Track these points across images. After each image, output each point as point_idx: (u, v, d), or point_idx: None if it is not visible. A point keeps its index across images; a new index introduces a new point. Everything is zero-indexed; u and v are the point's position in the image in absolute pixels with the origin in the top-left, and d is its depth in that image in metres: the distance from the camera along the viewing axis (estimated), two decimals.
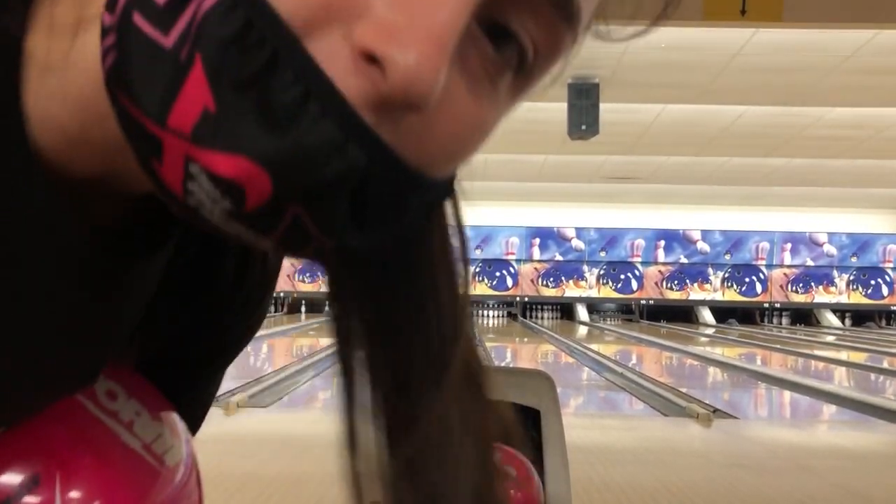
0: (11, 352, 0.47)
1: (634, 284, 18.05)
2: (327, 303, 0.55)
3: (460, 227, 0.55)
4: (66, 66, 0.43)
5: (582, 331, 15.41)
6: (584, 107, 8.54)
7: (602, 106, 8.67)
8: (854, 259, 18.08)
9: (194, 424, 0.65)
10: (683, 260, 18.03)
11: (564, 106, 8.67)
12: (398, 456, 0.53)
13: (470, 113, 0.43)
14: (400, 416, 0.53)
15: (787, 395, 7.37)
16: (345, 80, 0.38)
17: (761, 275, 18.10)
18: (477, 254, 17.86)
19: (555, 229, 17.97)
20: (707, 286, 18.09)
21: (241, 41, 0.37)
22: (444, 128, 0.42)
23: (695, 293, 18.10)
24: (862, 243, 18.04)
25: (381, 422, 0.54)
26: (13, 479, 0.49)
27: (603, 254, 18.01)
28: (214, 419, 5.10)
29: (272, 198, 0.38)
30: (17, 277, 0.45)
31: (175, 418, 0.62)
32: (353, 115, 0.38)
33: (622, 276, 18.06)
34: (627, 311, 18.25)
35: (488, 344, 11.55)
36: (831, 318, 18.11)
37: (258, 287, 0.65)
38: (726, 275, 18.09)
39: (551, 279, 18.01)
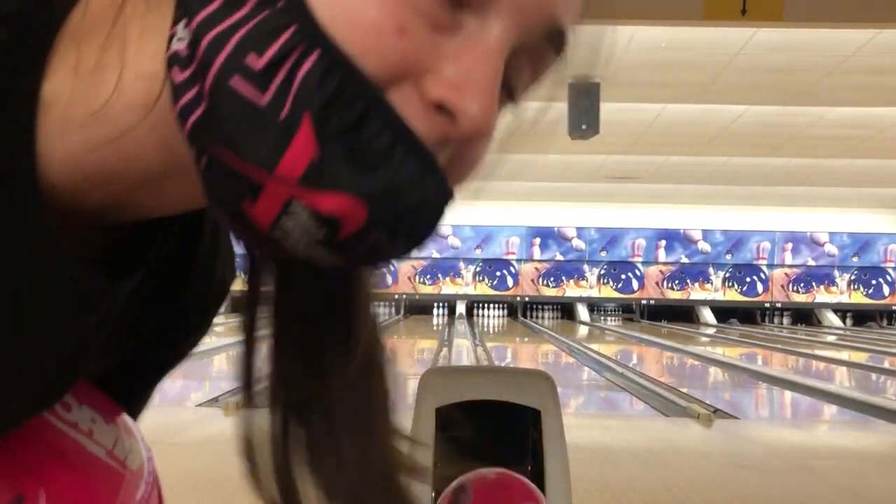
0: (7, 370, 0.51)
1: (635, 284, 18.06)
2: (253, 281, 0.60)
3: None
4: (98, 117, 0.47)
5: (582, 331, 15.42)
6: (584, 107, 8.53)
7: (602, 106, 8.67)
8: (855, 259, 18.08)
9: None
10: (684, 260, 18.04)
11: (564, 106, 8.67)
12: (299, 428, 0.59)
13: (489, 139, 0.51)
14: (306, 392, 0.59)
15: (788, 395, 7.37)
16: (418, 124, 0.46)
17: (762, 274, 18.10)
18: (477, 254, 17.88)
19: (555, 229, 17.98)
20: (708, 286, 18.09)
21: (339, 99, 0.44)
22: (474, 154, 0.51)
23: (696, 293, 18.10)
24: (863, 243, 18.04)
25: (284, 397, 0.60)
26: None
27: (604, 253, 18.01)
28: (214, 419, 5.10)
29: (364, 226, 0.45)
30: (19, 302, 0.49)
31: (127, 420, 0.63)
32: (428, 154, 0.47)
33: (623, 276, 18.06)
34: (627, 310, 18.26)
35: (488, 344, 11.55)
36: (832, 318, 18.11)
37: (214, 305, 0.69)
38: (727, 274, 18.09)
39: (552, 279, 18.01)
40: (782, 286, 18.12)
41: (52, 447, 0.55)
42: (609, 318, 18.17)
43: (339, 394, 0.59)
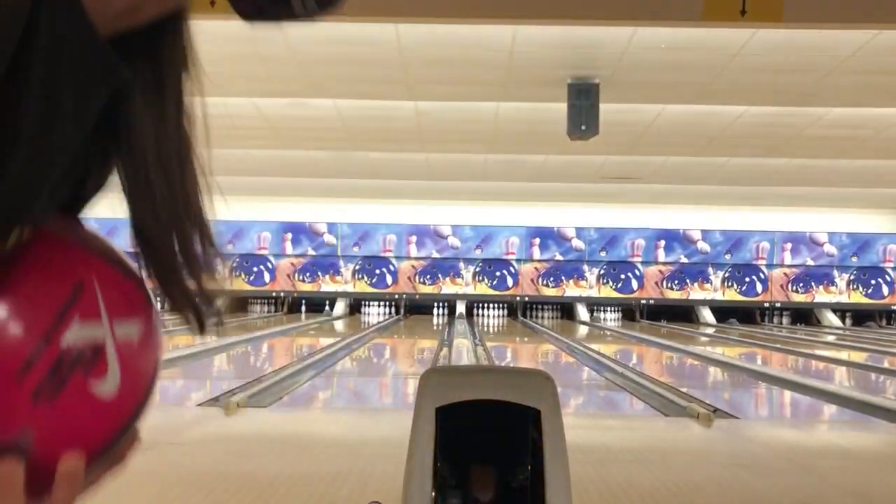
0: (47, 152, 0.63)
1: (635, 284, 18.06)
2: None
3: None
4: None
5: (582, 330, 15.42)
6: (583, 107, 8.54)
7: (602, 106, 8.68)
8: (854, 259, 18.09)
9: None
10: (684, 260, 18.05)
11: (564, 106, 8.67)
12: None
13: None
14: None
15: (788, 394, 7.37)
16: None
17: (761, 274, 18.11)
18: (477, 254, 17.88)
19: (555, 229, 17.98)
20: (707, 286, 18.10)
21: None
22: None
23: (695, 293, 18.10)
24: (862, 243, 18.05)
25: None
26: (63, 288, 0.63)
27: (603, 253, 18.02)
28: (214, 419, 5.12)
29: None
30: (62, 96, 0.62)
31: (91, 229, 0.72)
32: None
33: (622, 276, 18.07)
34: (625, 306, 18.33)
35: (488, 344, 11.55)
36: (832, 318, 18.12)
37: None
38: (726, 274, 18.10)
39: (551, 279, 18.02)
40: (781, 286, 18.13)
41: (80, 251, 0.67)
42: (607, 312, 18.26)
43: (164, 142, 0.73)
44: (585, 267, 18.04)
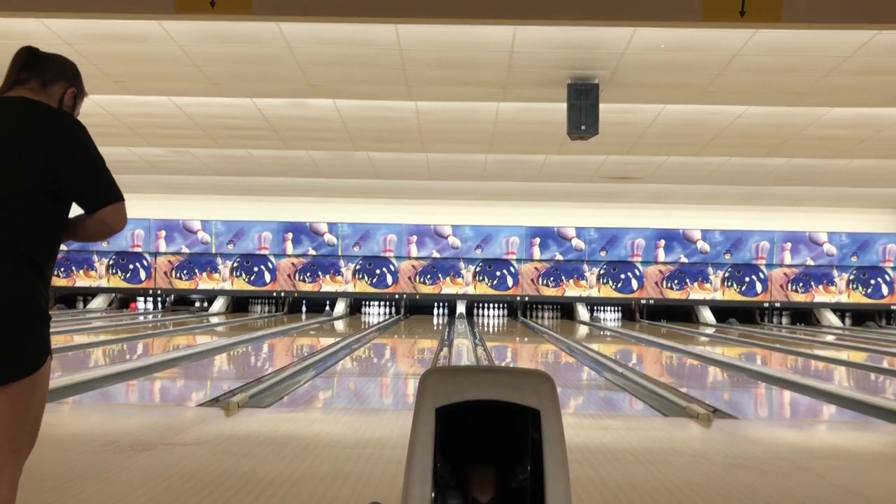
0: None
1: (634, 284, 18.08)
2: None
3: None
4: None
5: (582, 330, 15.42)
6: (583, 107, 8.54)
7: (602, 106, 8.68)
8: (854, 258, 18.10)
9: None
10: (683, 259, 18.06)
11: (564, 106, 8.67)
12: None
13: None
14: None
15: (787, 394, 7.37)
16: None
17: (761, 274, 18.12)
18: (477, 254, 17.90)
19: (555, 229, 18.00)
20: (707, 286, 18.11)
21: None
22: None
23: (695, 293, 18.12)
24: (861, 243, 18.06)
25: None
26: None
27: (603, 253, 18.04)
28: (214, 419, 5.11)
29: None
30: None
31: None
32: None
33: (622, 276, 18.08)
34: (625, 306, 18.38)
35: (488, 343, 11.55)
36: (831, 318, 18.14)
37: None
38: (726, 274, 18.11)
39: (551, 279, 18.03)
40: (781, 286, 18.14)
41: None
42: (607, 312, 18.33)
43: None
44: (585, 267, 18.05)
